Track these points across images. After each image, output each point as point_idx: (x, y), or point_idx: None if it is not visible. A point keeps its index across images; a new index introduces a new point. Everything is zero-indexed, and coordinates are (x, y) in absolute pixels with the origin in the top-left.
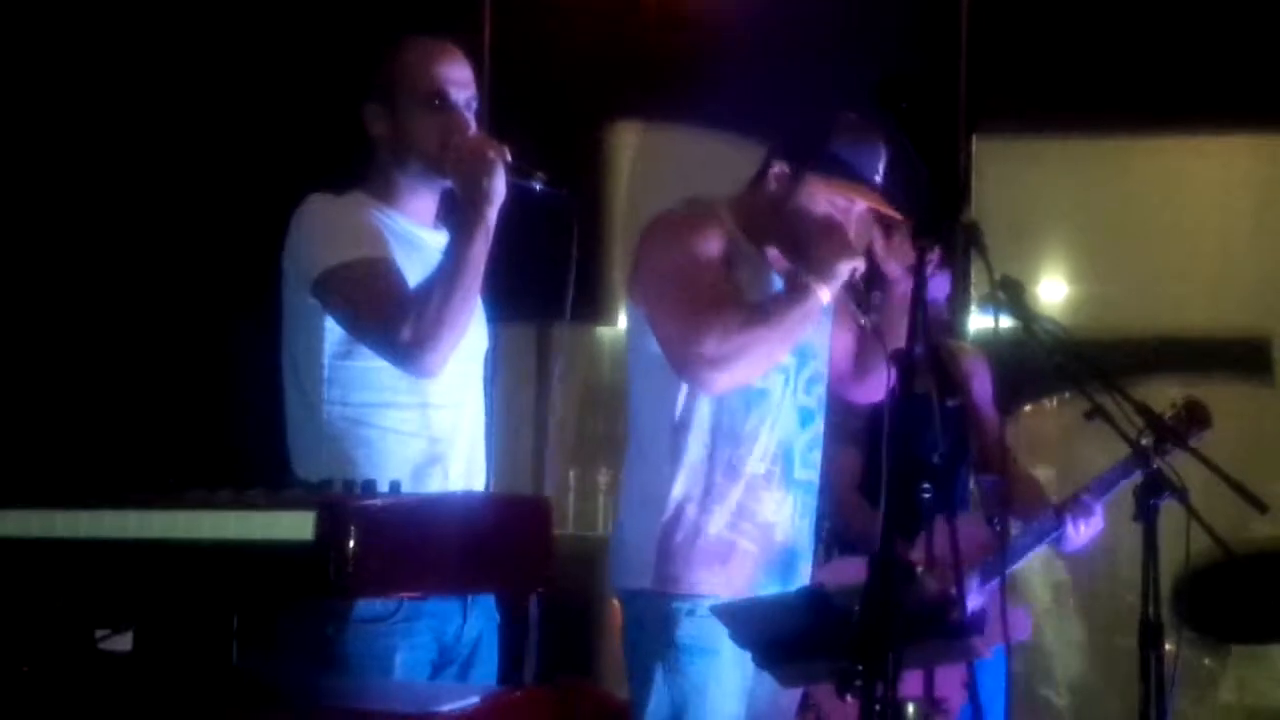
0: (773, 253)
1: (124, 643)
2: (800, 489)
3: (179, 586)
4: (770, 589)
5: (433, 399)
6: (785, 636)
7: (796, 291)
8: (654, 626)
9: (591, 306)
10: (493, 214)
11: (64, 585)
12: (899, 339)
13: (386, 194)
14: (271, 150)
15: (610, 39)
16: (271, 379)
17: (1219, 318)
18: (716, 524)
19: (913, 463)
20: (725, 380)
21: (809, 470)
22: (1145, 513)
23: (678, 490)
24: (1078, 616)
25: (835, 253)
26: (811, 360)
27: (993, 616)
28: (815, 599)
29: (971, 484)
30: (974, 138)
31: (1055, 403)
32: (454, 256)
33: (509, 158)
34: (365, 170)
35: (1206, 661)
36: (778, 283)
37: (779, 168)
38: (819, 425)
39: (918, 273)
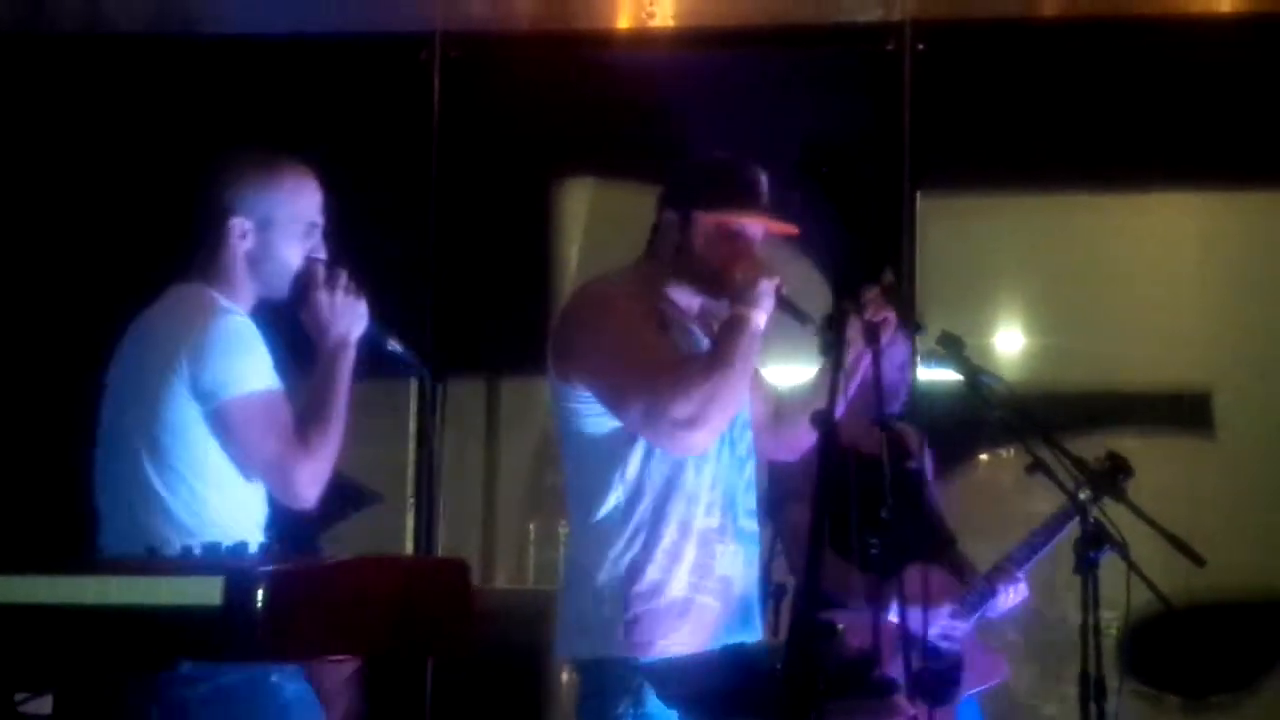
0: (689, 302)
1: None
2: (746, 540)
3: (88, 651)
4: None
5: None
6: (709, 695)
7: (734, 324)
8: (619, 697)
9: (544, 360)
10: (350, 355)
11: None
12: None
13: (235, 294)
14: None
15: (560, 98)
16: None
17: (1161, 372)
18: (677, 584)
19: (861, 519)
20: (704, 436)
21: (750, 520)
22: (1084, 565)
23: (634, 553)
24: (1030, 663)
25: (751, 275)
26: (741, 410)
27: (969, 661)
28: (738, 657)
29: None
30: (918, 194)
31: (1011, 452)
32: (328, 396)
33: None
34: (205, 261)
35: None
36: (702, 338)
37: (668, 217)
38: (752, 471)
39: (838, 336)
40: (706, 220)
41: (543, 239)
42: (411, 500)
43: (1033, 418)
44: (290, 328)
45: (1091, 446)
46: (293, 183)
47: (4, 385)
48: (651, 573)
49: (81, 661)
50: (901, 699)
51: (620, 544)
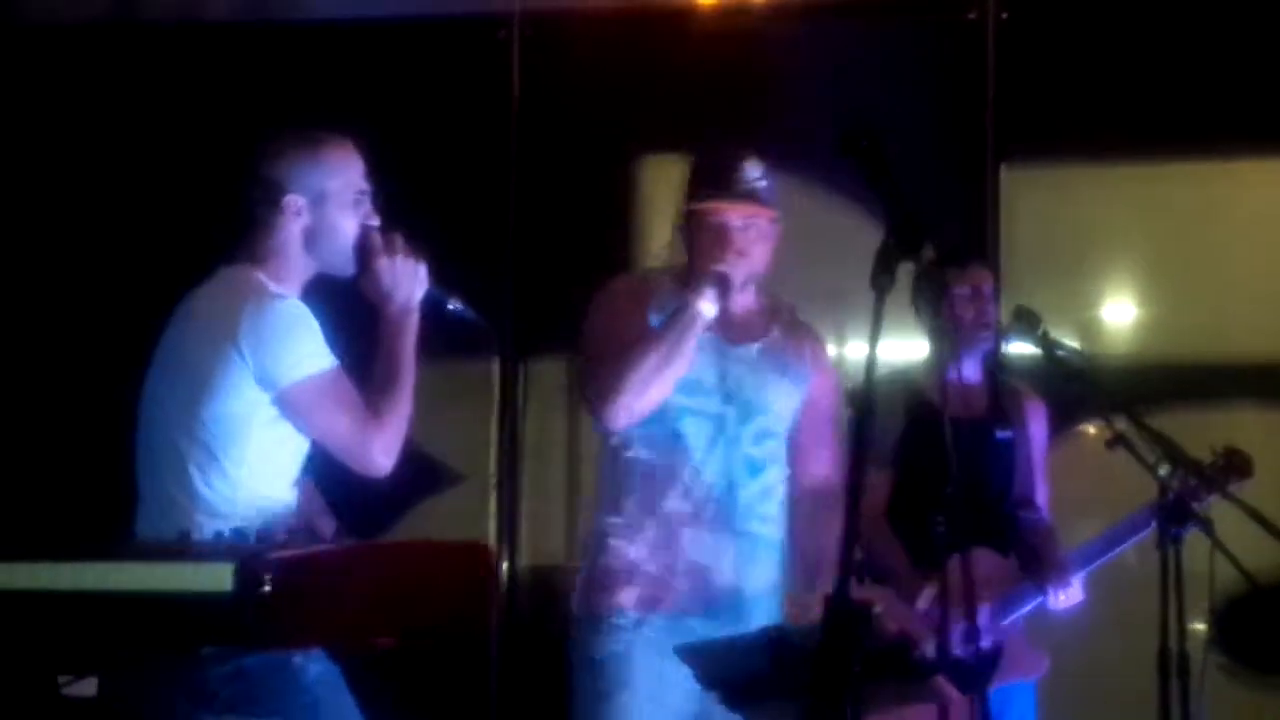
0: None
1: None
2: (746, 539)
3: (109, 636)
4: (711, 631)
5: None
6: (746, 677)
7: (677, 312)
8: (581, 647)
9: None
10: (415, 320)
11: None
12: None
13: (287, 274)
14: None
15: (640, 76)
16: None
17: (1263, 343)
18: (636, 552)
19: (927, 495)
20: (617, 408)
21: (762, 525)
22: (1165, 542)
23: (605, 524)
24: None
25: (704, 266)
26: (759, 415)
27: (1009, 653)
28: (774, 639)
29: None
30: (1003, 167)
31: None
32: (396, 363)
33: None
34: (256, 242)
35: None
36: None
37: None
38: (773, 480)
39: (875, 314)
40: (690, 212)
41: (623, 217)
42: (494, 480)
43: (1113, 393)
44: (341, 303)
45: (1182, 423)
46: (339, 154)
47: (44, 373)
48: (614, 541)
49: (103, 647)
50: (942, 682)
51: (600, 514)
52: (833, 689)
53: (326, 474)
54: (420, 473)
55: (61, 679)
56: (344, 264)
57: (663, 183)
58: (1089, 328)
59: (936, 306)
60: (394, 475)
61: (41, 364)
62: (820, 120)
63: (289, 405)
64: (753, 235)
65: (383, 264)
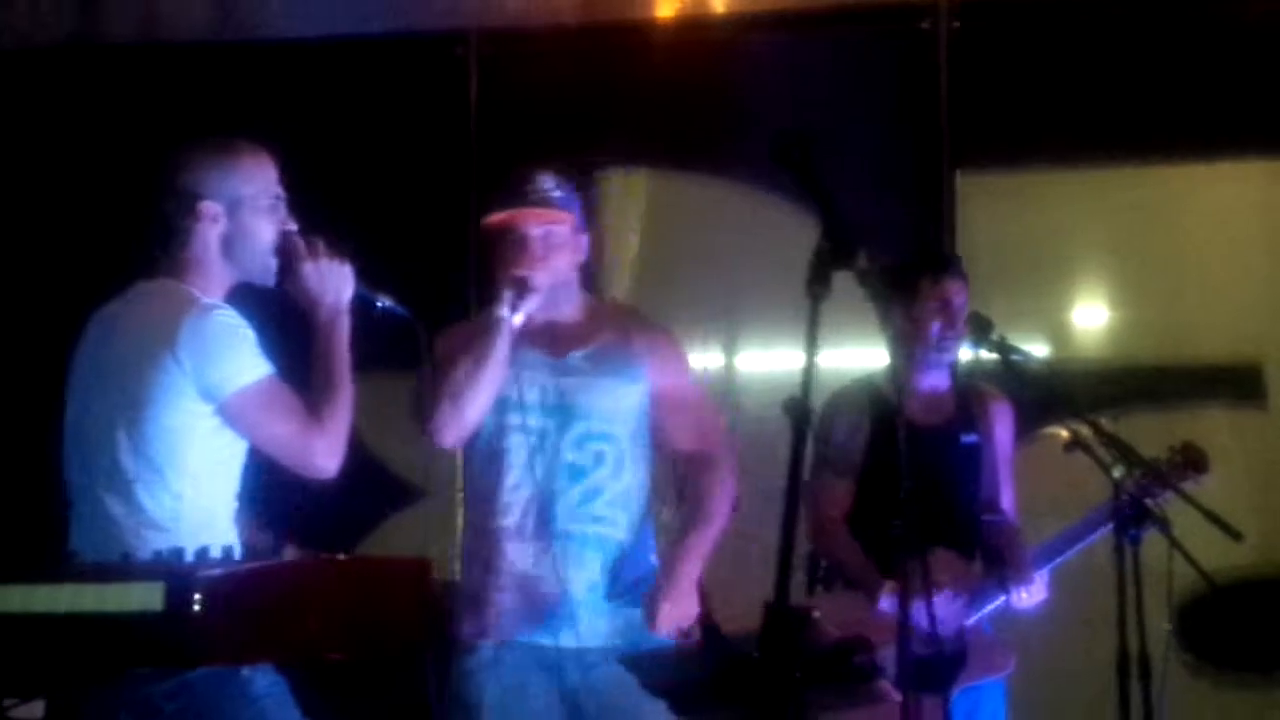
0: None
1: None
2: (568, 540)
3: (41, 658)
4: (538, 639)
5: None
6: (686, 684)
7: (485, 323)
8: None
9: None
10: (345, 321)
11: None
12: None
13: (207, 285)
14: None
15: (596, 91)
16: None
17: (1206, 346)
18: (473, 579)
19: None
20: (437, 421)
21: (587, 523)
22: (1123, 544)
23: (458, 553)
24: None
25: (500, 273)
26: (580, 421)
27: (978, 651)
28: (718, 645)
29: None
30: (957, 174)
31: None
32: (331, 365)
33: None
34: (174, 254)
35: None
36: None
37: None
38: (603, 481)
39: (810, 321)
40: (488, 228)
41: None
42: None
43: (1070, 397)
44: (265, 311)
45: (1146, 424)
46: (251, 160)
47: None
48: (461, 570)
49: (41, 668)
50: (885, 685)
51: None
52: (773, 695)
53: (286, 489)
54: (385, 487)
55: (7, 702)
56: (264, 270)
57: (620, 196)
58: (1045, 332)
59: (904, 313)
60: (359, 490)
61: None
62: (776, 130)
63: (232, 415)
64: (552, 242)
65: (308, 268)
